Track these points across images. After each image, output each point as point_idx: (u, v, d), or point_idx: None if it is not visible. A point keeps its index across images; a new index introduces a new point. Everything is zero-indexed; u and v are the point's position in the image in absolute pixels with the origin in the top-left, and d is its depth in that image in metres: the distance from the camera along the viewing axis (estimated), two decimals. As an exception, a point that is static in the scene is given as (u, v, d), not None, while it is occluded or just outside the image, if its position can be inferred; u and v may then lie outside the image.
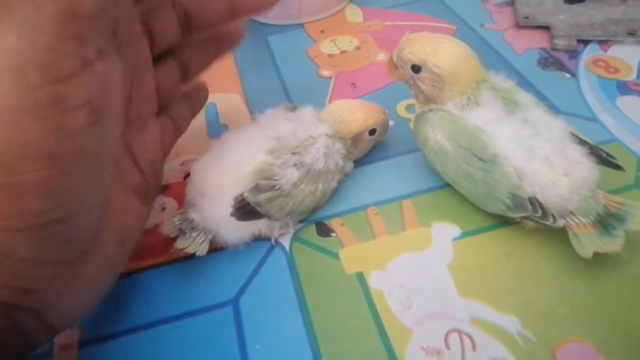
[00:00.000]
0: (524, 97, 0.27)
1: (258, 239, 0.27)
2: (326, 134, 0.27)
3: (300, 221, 0.29)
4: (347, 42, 0.43)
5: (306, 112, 0.29)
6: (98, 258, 0.21)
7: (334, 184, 0.28)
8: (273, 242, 0.28)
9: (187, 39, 0.27)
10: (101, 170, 0.19)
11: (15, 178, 0.16)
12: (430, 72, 0.26)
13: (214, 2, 0.26)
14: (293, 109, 0.30)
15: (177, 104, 0.29)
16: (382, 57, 0.41)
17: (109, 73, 0.18)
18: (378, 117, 0.29)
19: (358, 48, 0.42)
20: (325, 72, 0.40)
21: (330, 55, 0.41)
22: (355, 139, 0.29)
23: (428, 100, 0.28)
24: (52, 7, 0.15)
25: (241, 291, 0.26)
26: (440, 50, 0.26)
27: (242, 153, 0.26)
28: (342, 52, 0.42)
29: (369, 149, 0.31)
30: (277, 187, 0.25)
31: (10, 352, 0.18)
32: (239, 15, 0.27)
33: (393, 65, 0.28)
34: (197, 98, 0.30)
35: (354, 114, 0.29)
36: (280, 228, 0.27)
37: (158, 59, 0.27)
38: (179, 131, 0.29)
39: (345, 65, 0.40)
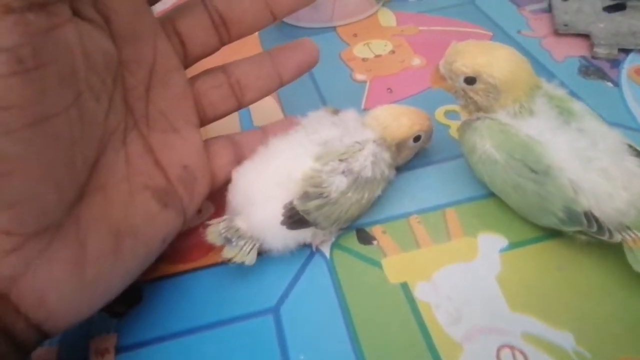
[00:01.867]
0: (578, 106, 0.26)
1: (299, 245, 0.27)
2: (373, 141, 0.27)
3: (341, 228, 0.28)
4: (381, 46, 0.42)
5: (350, 116, 0.28)
6: (76, 243, 0.20)
7: (378, 192, 0.27)
8: (314, 249, 0.27)
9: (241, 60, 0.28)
10: (53, 129, 0.18)
11: None
12: (486, 82, 0.25)
13: (249, 3, 0.26)
14: (336, 112, 0.29)
15: (246, 134, 0.29)
16: (417, 61, 0.40)
17: (49, 27, 0.17)
18: (423, 124, 0.29)
19: (392, 52, 0.41)
20: (359, 76, 0.39)
21: (364, 59, 0.41)
22: (399, 146, 0.28)
23: (479, 109, 0.27)
24: None
25: (282, 299, 0.25)
26: (494, 60, 0.25)
27: (288, 158, 0.26)
28: (377, 56, 0.41)
29: (412, 155, 0.30)
30: (325, 195, 0.25)
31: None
32: (278, 13, 0.27)
33: (439, 77, 0.27)
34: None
35: (398, 119, 0.28)
36: (323, 235, 0.27)
37: (206, 72, 0.28)
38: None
39: (380, 70, 0.39)
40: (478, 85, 0.26)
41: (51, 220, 0.19)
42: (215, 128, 0.31)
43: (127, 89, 0.23)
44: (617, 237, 0.23)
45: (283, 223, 0.24)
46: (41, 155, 0.18)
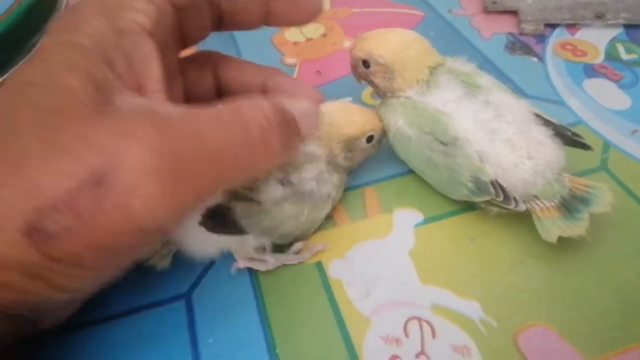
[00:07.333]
0: (485, 80, 0.26)
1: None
2: (325, 159, 0.24)
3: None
4: (313, 30, 0.41)
5: None
6: None
7: (322, 214, 0.25)
8: (235, 269, 0.24)
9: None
10: None
11: None
12: (377, 64, 0.26)
13: (251, 6, 0.26)
14: None
15: None
16: (348, 44, 0.40)
17: None
18: (376, 124, 0.26)
19: (324, 35, 0.41)
20: (289, 60, 0.39)
21: (295, 43, 0.40)
22: (350, 147, 0.26)
23: (384, 93, 0.27)
24: None
25: (195, 284, 0.25)
26: (382, 41, 0.26)
27: None
28: (308, 39, 0.41)
29: (362, 160, 0.28)
30: (256, 200, 0.23)
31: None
32: (272, 23, 0.27)
33: (354, 68, 0.28)
34: None
35: (350, 116, 0.26)
36: (255, 250, 0.24)
37: None
38: None
39: (310, 53, 0.39)
40: (373, 68, 0.26)
41: None
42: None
43: None
44: (522, 207, 0.24)
45: (201, 224, 0.22)
46: None
